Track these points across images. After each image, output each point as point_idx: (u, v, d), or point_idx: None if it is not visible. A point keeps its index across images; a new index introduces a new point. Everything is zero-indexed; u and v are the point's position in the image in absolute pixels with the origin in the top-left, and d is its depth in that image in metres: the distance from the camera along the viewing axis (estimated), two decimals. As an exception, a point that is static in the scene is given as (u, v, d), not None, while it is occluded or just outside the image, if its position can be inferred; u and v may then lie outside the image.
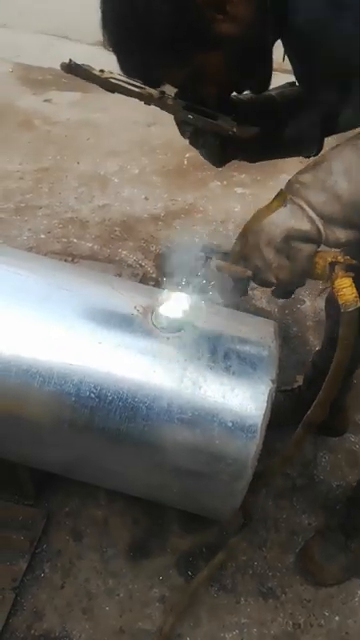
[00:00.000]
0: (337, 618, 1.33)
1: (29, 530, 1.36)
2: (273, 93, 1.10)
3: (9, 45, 4.08)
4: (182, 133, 1.06)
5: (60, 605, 1.27)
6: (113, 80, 0.95)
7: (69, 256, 2.22)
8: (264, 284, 0.93)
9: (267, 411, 1.09)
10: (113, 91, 0.98)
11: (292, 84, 1.11)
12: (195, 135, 1.05)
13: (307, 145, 1.16)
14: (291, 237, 0.84)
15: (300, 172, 0.87)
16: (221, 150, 1.07)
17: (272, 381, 1.11)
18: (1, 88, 3.63)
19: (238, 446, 1.07)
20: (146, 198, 2.66)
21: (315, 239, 0.85)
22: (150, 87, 0.96)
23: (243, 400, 1.08)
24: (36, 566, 1.32)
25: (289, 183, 0.87)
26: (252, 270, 0.91)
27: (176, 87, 0.98)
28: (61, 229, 2.42)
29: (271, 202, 0.88)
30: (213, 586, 1.35)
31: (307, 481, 1.59)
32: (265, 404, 1.08)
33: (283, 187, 0.89)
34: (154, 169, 2.86)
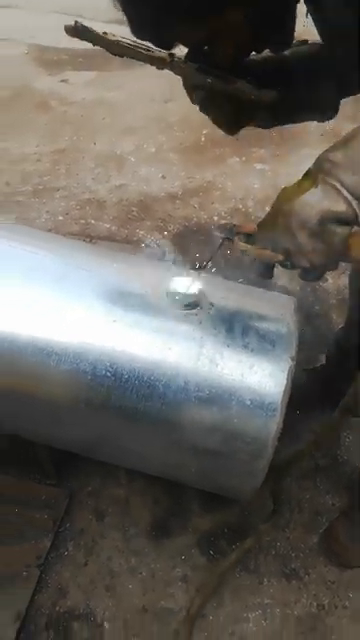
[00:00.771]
0: (362, 599, 1.31)
1: (52, 509, 1.38)
2: (286, 52, 1.04)
3: (23, 26, 4.04)
4: (192, 99, 1.01)
5: (83, 583, 1.28)
6: (121, 43, 0.91)
7: (87, 237, 2.20)
8: (294, 268, 0.89)
9: (287, 389, 1.05)
10: (121, 55, 0.93)
11: (305, 42, 1.04)
12: (207, 101, 1.01)
13: (323, 108, 1.10)
14: (326, 219, 0.80)
15: (330, 150, 0.82)
16: (235, 116, 1.02)
17: (292, 358, 1.08)
18: (17, 70, 3.60)
19: (257, 425, 1.04)
20: (163, 176, 2.61)
21: (351, 220, 0.80)
22: (162, 49, 0.91)
23: (262, 378, 1.05)
24: (60, 544, 1.34)
25: (318, 161, 0.83)
26: (282, 253, 0.87)
27: (190, 48, 0.93)
28: (79, 210, 2.40)
29: (300, 181, 0.84)
30: (236, 567, 1.34)
31: (330, 461, 1.56)
32: (285, 381, 1.05)
33: (311, 165, 0.84)
34: (171, 146, 2.80)
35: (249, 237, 0.96)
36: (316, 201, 0.80)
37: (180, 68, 0.92)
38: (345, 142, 0.80)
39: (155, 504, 1.43)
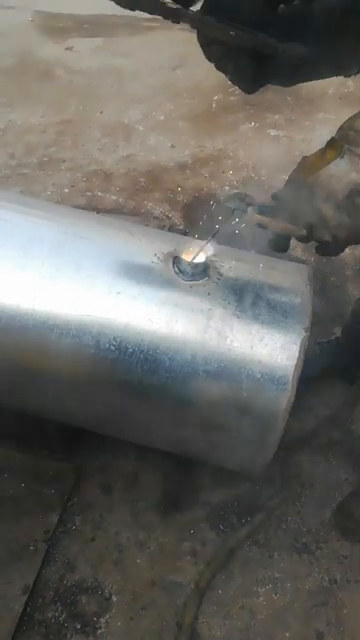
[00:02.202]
0: (376, 575, 1.29)
1: (60, 484, 1.36)
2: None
3: (28, -7, 3.90)
4: (208, 56, 0.94)
5: (91, 557, 1.27)
6: None
7: (93, 210, 2.14)
8: (310, 241, 0.85)
9: (299, 362, 1.01)
10: (133, 8, 0.87)
11: None
12: (225, 57, 0.94)
13: (349, 63, 1.02)
14: (354, 192, 0.76)
15: (354, 118, 0.79)
16: (254, 73, 0.95)
17: (305, 330, 1.03)
18: (21, 38, 3.48)
19: (268, 399, 1.01)
20: (172, 146, 2.52)
21: None
22: (179, 4, 0.84)
23: (273, 350, 1.01)
24: (67, 519, 1.33)
25: (342, 130, 0.79)
26: (304, 227, 0.83)
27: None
28: (85, 182, 2.33)
29: (323, 151, 0.80)
30: (246, 541, 1.32)
31: (344, 436, 1.52)
32: (297, 354, 1.01)
33: (334, 134, 0.81)
34: (180, 114, 2.70)
35: (264, 209, 0.91)
36: (343, 173, 0.77)
37: (198, 21, 0.85)
38: None
39: (164, 478, 1.41)
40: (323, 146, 0.84)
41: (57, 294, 1.03)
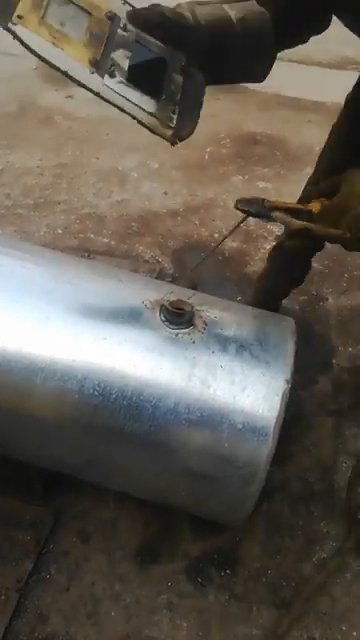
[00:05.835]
0: (355, 633, 1.26)
1: (36, 530, 1.33)
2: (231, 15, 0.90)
3: (33, 43, 4.10)
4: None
5: (65, 608, 1.23)
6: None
7: (85, 252, 2.18)
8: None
9: (281, 413, 1.03)
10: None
11: None
12: None
13: (260, 69, 0.97)
14: None
15: None
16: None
17: (287, 381, 1.05)
18: (25, 86, 3.63)
19: (249, 449, 1.01)
20: (165, 193, 2.61)
21: None
22: None
23: (255, 401, 1.03)
24: (42, 567, 1.29)
25: None
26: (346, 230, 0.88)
27: None
28: (78, 225, 2.39)
29: None
30: (223, 594, 1.29)
31: (326, 487, 1.52)
32: (279, 405, 1.02)
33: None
34: (174, 164, 2.81)
35: (294, 214, 0.93)
36: None
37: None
38: None
39: (144, 528, 1.39)
40: None
41: (44, 338, 1.05)
